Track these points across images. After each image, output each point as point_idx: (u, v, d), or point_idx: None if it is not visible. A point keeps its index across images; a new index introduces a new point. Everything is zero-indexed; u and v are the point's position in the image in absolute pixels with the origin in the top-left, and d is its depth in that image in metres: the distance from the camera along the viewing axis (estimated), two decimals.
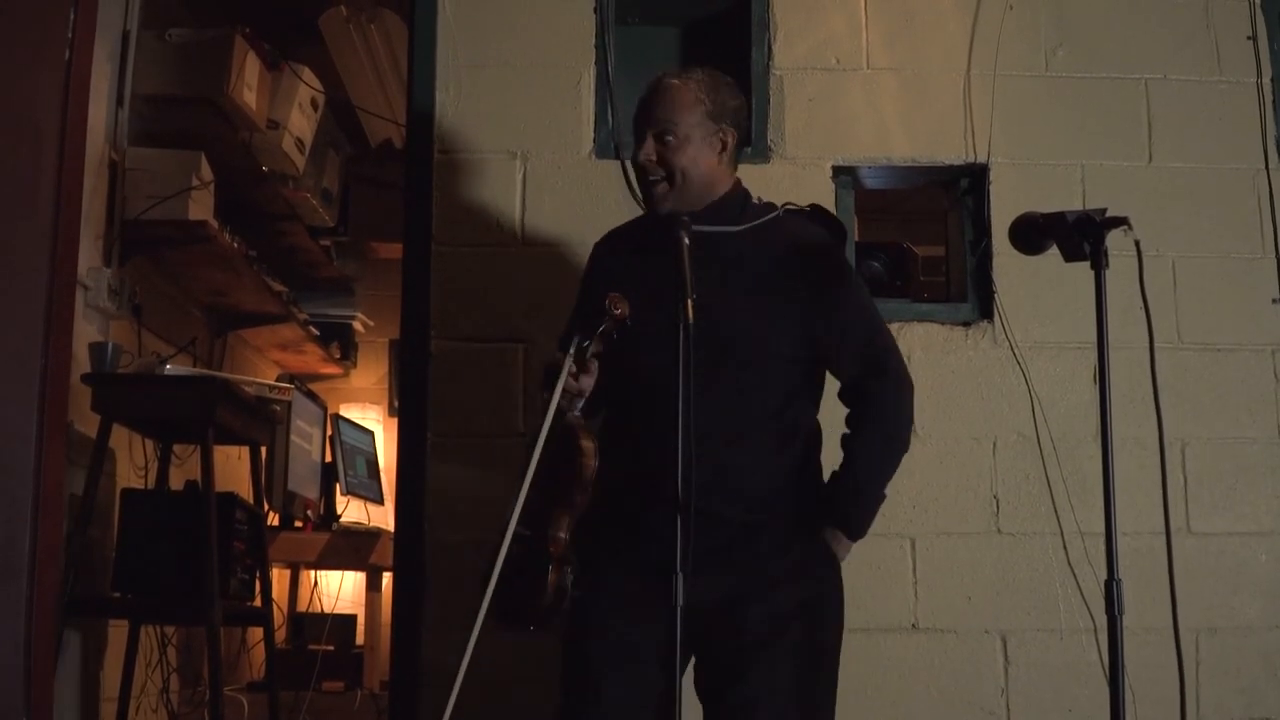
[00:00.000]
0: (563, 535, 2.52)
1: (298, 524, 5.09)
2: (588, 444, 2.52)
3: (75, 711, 3.89)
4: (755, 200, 2.79)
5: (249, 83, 4.59)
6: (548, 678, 2.75)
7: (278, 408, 4.69)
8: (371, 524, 5.46)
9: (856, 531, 2.68)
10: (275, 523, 4.97)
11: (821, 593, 2.64)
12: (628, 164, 3.55)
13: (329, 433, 5.59)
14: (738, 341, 2.59)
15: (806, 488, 2.68)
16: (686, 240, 2.47)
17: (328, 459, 5.51)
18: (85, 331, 3.86)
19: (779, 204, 2.79)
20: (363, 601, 5.37)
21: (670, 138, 2.65)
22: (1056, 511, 3.48)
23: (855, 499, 2.68)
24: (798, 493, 2.65)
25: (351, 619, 5.45)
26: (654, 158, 2.66)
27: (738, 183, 2.77)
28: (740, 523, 2.56)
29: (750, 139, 3.61)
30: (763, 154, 3.63)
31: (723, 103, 2.71)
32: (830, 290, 2.69)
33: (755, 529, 2.58)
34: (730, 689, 2.56)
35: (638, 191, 2.92)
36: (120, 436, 4.08)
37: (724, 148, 2.71)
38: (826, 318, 2.67)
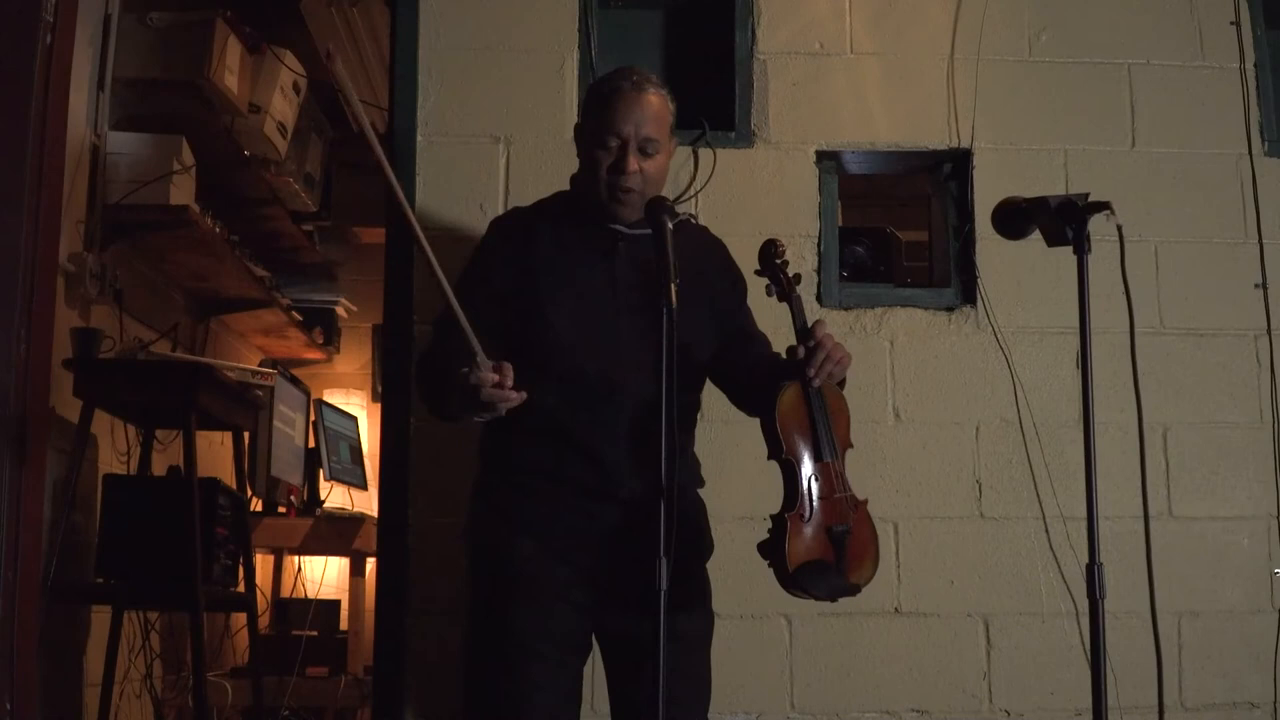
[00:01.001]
0: None
1: (281, 509, 5.09)
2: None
3: (59, 698, 3.89)
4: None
5: (230, 66, 4.57)
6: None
7: (260, 393, 4.67)
8: (355, 509, 5.45)
9: None
10: (258, 508, 4.96)
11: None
12: None
13: (312, 418, 5.57)
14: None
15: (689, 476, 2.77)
16: (670, 224, 2.47)
17: (311, 444, 5.50)
18: (67, 317, 3.85)
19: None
20: (346, 587, 5.37)
21: (654, 153, 2.66)
22: (1039, 496, 3.49)
23: None
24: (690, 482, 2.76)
25: (335, 604, 5.44)
26: (639, 171, 2.65)
27: None
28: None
29: (734, 124, 3.62)
30: (746, 139, 3.63)
31: (674, 114, 2.76)
32: (736, 286, 2.87)
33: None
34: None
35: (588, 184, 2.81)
36: (102, 422, 4.07)
37: (669, 157, 2.77)
38: (731, 309, 2.84)
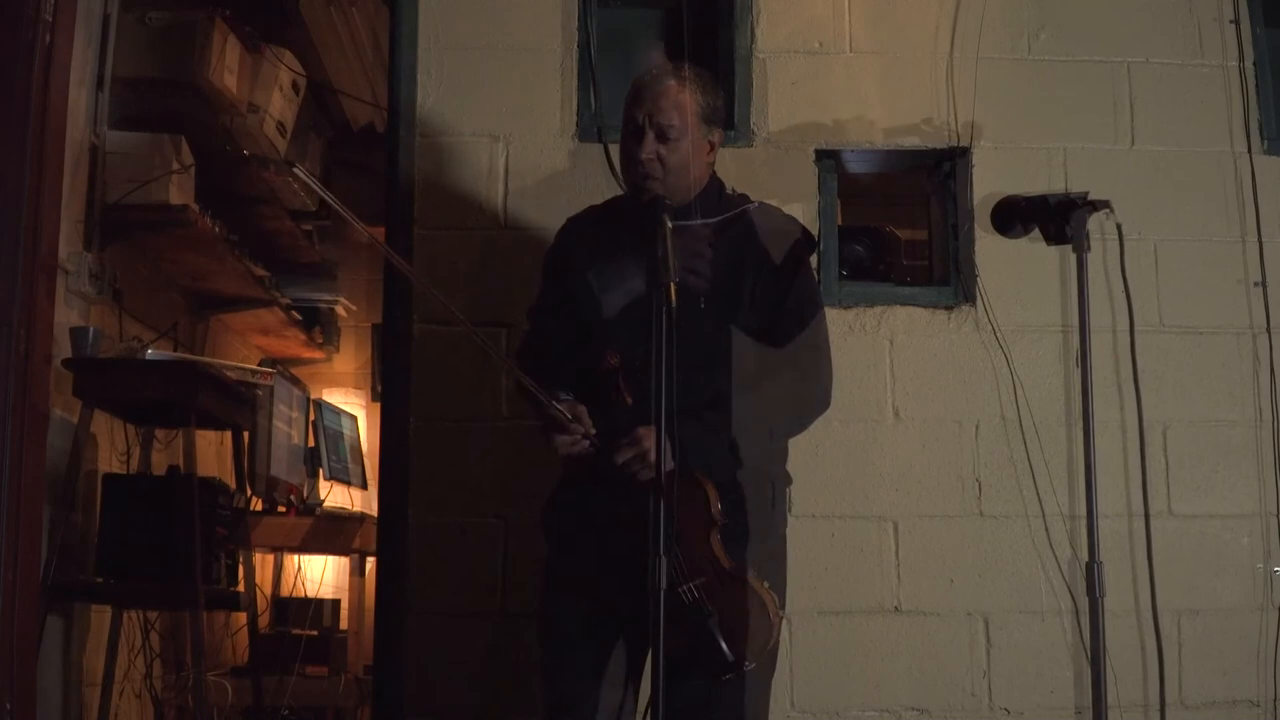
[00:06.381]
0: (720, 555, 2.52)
1: (280, 509, 5.09)
2: (702, 479, 2.53)
3: (58, 698, 3.89)
4: (730, 191, 2.83)
5: (229, 66, 4.57)
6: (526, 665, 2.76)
7: (259, 392, 4.67)
8: (355, 509, 5.46)
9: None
10: (257, 508, 4.96)
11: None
12: (610, 147, 3.55)
13: (311, 417, 5.57)
14: (698, 325, 2.58)
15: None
16: (669, 224, 2.47)
17: (310, 443, 5.50)
18: (65, 316, 3.84)
19: (754, 199, 2.82)
20: (346, 586, 5.37)
21: (671, 139, 2.66)
22: (1038, 494, 3.49)
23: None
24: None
25: (334, 604, 5.45)
26: (654, 156, 2.65)
27: (713, 175, 2.79)
28: None
29: (733, 123, 3.62)
30: (745, 138, 3.63)
31: (712, 104, 2.74)
32: (780, 278, 2.72)
33: None
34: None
35: (620, 176, 2.90)
36: (101, 421, 4.07)
37: (711, 149, 2.74)
38: (771, 301, 2.70)
